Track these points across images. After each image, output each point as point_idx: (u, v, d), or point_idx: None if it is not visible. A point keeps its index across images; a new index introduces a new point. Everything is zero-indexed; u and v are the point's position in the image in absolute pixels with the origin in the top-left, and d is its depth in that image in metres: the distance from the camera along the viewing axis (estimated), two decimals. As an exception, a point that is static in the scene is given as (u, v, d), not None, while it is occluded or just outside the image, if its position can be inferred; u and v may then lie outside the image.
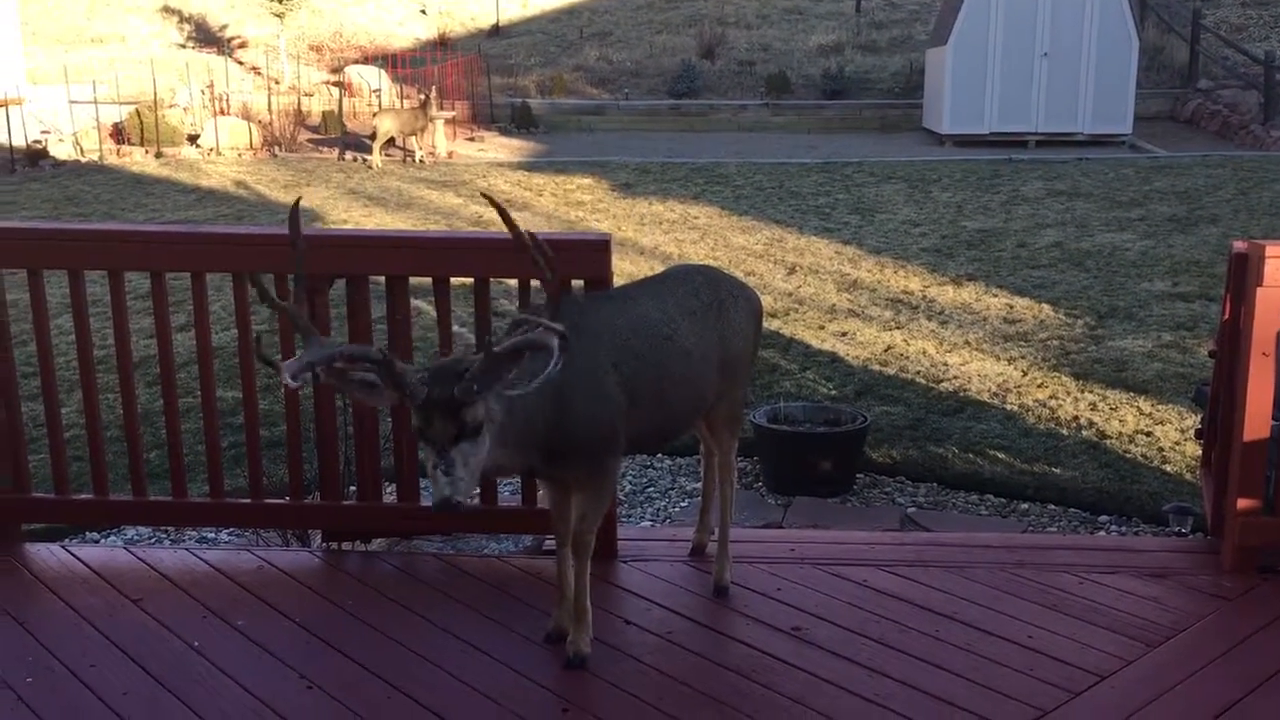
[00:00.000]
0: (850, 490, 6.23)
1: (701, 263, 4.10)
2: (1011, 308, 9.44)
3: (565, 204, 14.68)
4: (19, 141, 17.34)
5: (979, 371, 7.88)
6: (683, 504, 6.31)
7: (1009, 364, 8.02)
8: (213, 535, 5.66)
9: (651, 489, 6.69)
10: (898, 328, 8.99)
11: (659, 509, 6.45)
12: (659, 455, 7.08)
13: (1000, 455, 6.48)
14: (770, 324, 9.21)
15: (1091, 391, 7.38)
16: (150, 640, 3.50)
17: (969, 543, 4.36)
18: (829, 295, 10.06)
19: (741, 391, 3.86)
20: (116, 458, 4.74)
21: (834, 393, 7.58)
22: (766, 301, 9.82)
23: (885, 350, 8.43)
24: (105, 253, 4.09)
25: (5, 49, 24.97)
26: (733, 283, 3.86)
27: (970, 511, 5.93)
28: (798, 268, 11.11)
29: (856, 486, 6.28)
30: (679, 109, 22.94)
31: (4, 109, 17.73)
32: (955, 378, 7.75)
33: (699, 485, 6.72)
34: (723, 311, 3.68)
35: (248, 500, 4.26)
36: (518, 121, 21.58)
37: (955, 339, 8.63)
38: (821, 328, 9.07)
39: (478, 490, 3.34)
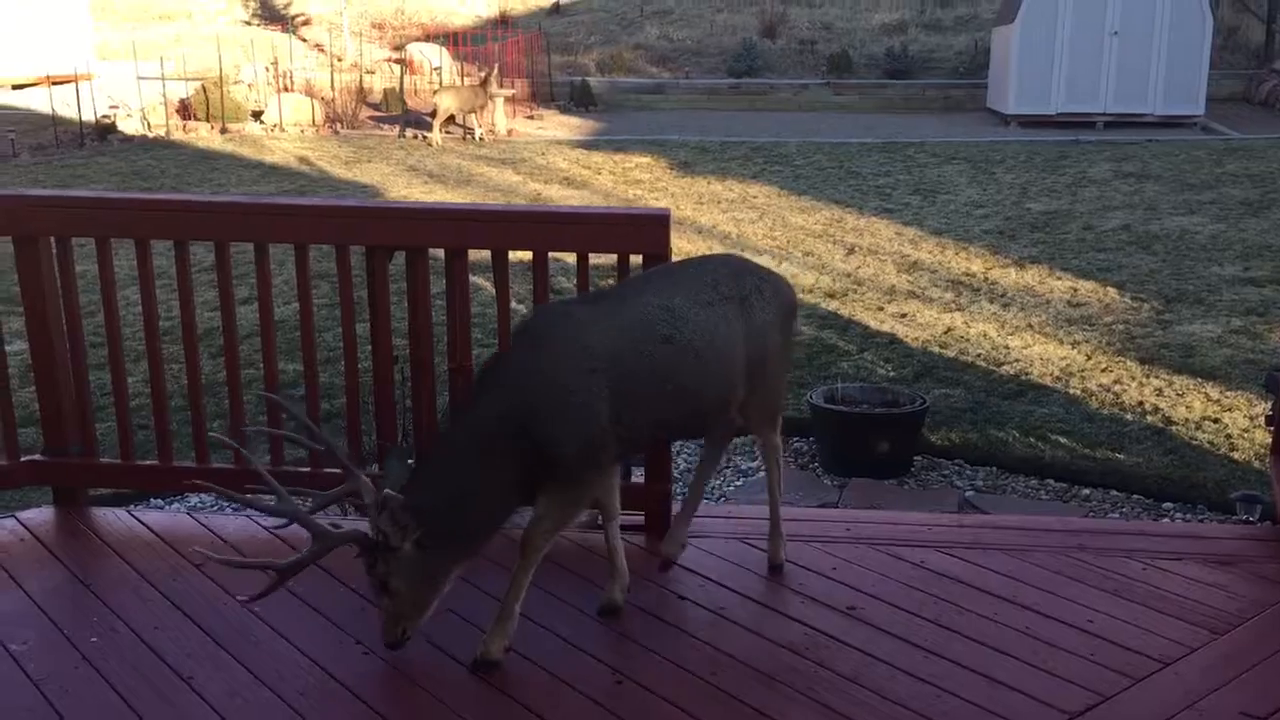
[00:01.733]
0: (907, 473, 6.17)
1: (729, 252, 3.98)
2: (1076, 291, 9.27)
3: (623, 182, 14.66)
4: (88, 116, 17.65)
5: (1041, 355, 7.75)
6: (738, 483, 6.29)
7: (1072, 348, 7.87)
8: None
9: (706, 467, 6.67)
10: (958, 310, 8.87)
11: (713, 487, 6.43)
12: (714, 434, 7.06)
13: (1062, 440, 6.37)
14: (828, 304, 9.12)
15: (1157, 377, 7.23)
16: (211, 604, 3.56)
17: (1029, 526, 4.30)
18: (888, 276, 9.95)
19: (777, 386, 3.71)
20: (180, 426, 4.82)
21: (892, 374, 7.50)
22: (824, 282, 9.74)
23: (945, 332, 8.32)
24: (171, 222, 4.14)
25: (75, 26, 25.42)
26: (760, 274, 3.65)
27: (1030, 496, 5.84)
28: (857, 248, 11.00)
29: (914, 469, 6.21)
30: (739, 88, 22.77)
31: (74, 84, 18.03)
32: (1017, 361, 7.64)
33: (754, 464, 6.70)
34: (746, 305, 3.48)
35: (307, 469, 4.31)
36: (577, 100, 21.57)
37: (1017, 322, 8.50)
38: (880, 309, 8.97)
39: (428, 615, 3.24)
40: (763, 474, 6.52)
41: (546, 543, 3.28)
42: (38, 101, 19.68)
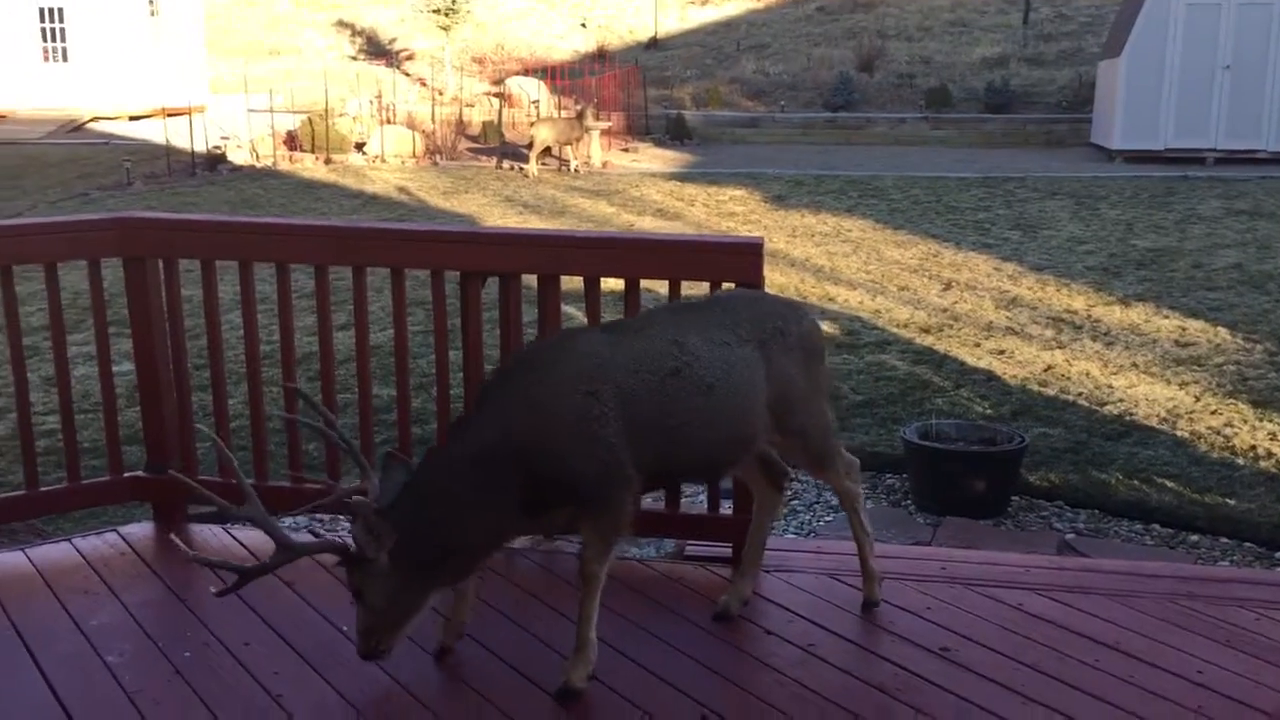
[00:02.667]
0: (1004, 513, 6.00)
1: (758, 292, 3.80)
2: (1184, 330, 8.97)
3: (717, 214, 14.65)
4: (200, 147, 18.28)
5: (1147, 395, 7.50)
6: (828, 518, 6.18)
7: (1180, 388, 7.61)
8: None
9: (796, 502, 6.57)
10: (1059, 347, 8.64)
11: (803, 522, 6.33)
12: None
13: (1169, 483, 6.14)
14: (923, 340, 8.97)
15: (1272, 420, 6.94)
16: (301, 623, 3.59)
17: (1134, 571, 4.13)
18: (986, 312, 9.75)
19: (813, 429, 3.55)
20: (277, 447, 4.90)
21: (989, 412, 7.32)
22: (919, 317, 9.59)
23: (1045, 370, 8.10)
24: (273, 245, 4.23)
25: (191, 61, 26.44)
26: (787, 314, 3.56)
27: (1134, 541, 5.64)
28: (954, 283, 10.81)
29: (1011, 509, 6.04)
30: (835, 121, 22.66)
31: (188, 116, 18.70)
32: (1121, 401, 7.40)
33: (845, 500, 6.58)
34: (766, 347, 3.41)
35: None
36: (672, 133, 21.68)
37: (1121, 361, 8.24)
38: (977, 345, 8.78)
39: (403, 633, 3.20)
40: (854, 510, 6.41)
41: (601, 568, 3.22)
42: (153, 132, 20.46)
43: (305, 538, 3.30)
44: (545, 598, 3.74)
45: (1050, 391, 7.64)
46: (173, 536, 3.38)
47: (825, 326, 9.79)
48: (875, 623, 3.63)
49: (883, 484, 6.67)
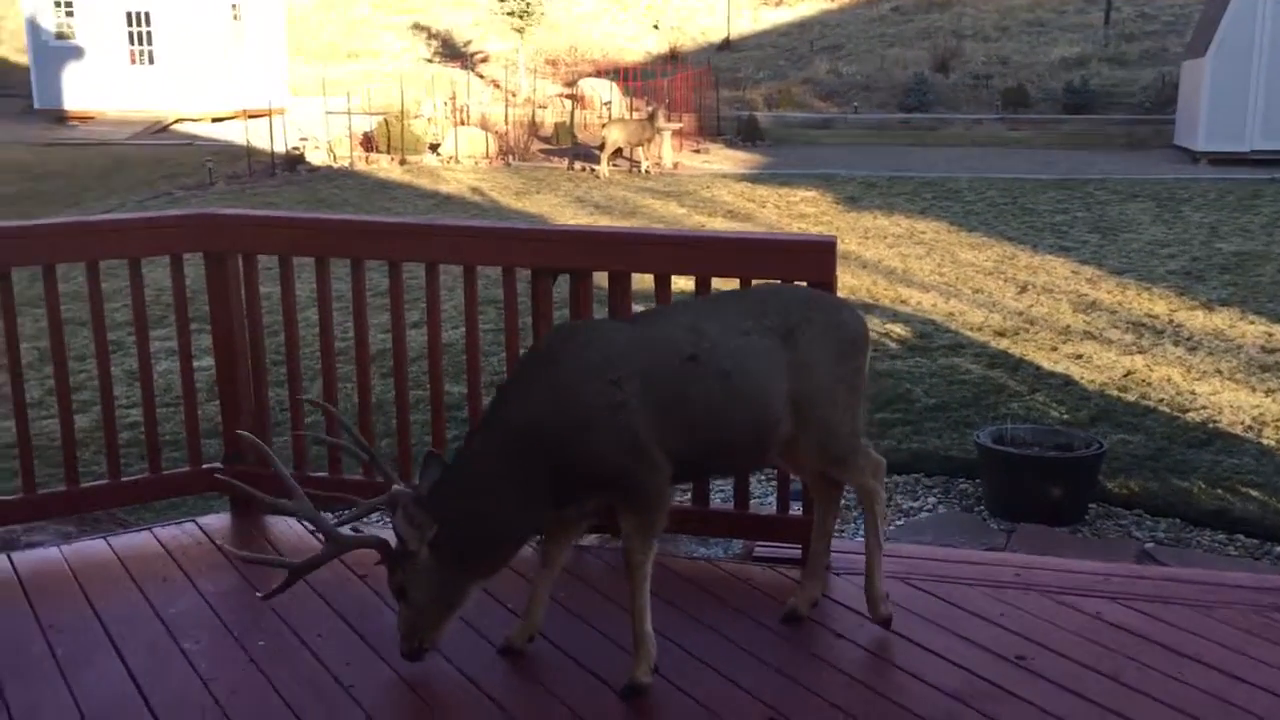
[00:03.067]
0: (1081, 520, 5.88)
1: (795, 284, 3.74)
2: (1270, 336, 8.71)
3: (788, 216, 14.57)
4: (279, 148, 18.62)
5: (1231, 402, 7.29)
6: (898, 521, 6.10)
7: (1266, 396, 7.39)
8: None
9: (867, 505, 6.50)
10: (1140, 352, 8.45)
11: (874, 526, 6.26)
12: (876, 471, 6.88)
13: (1254, 493, 5.96)
14: (998, 343, 8.82)
15: (1363, 429, 6.71)
16: (372, 614, 3.62)
17: (1216, 581, 4.01)
18: (1063, 316, 9.56)
19: (836, 426, 3.40)
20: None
21: (1066, 417, 7.18)
22: (994, 320, 9.43)
23: (1125, 375, 7.92)
24: (348, 242, 4.29)
25: (272, 64, 26.98)
26: (821, 307, 3.46)
27: (1217, 551, 5.49)
28: (1030, 286, 10.62)
29: (1088, 517, 5.92)
30: (909, 123, 22.41)
31: (268, 118, 19.05)
32: (1204, 408, 7.20)
33: (916, 503, 6.50)
34: (792, 337, 3.31)
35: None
36: (744, 134, 21.61)
37: (1205, 367, 8.03)
38: (1054, 349, 8.62)
39: (445, 629, 3.25)
40: (924, 515, 6.32)
41: (645, 558, 3.22)
42: (235, 134, 20.89)
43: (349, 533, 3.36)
44: (613, 596, 3.73)
45: (1130, 397, 7.47)
46: (219, 544, 3.46)
47: (897, 329, 9.69)
48: (948, 628, 3.57)
49: (955, 489, 6.57)
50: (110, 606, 3.68)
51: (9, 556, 4.11)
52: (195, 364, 4.53)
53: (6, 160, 20.50)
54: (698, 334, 3.25)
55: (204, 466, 4.45)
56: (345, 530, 3.33)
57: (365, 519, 3.56)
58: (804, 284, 3.88)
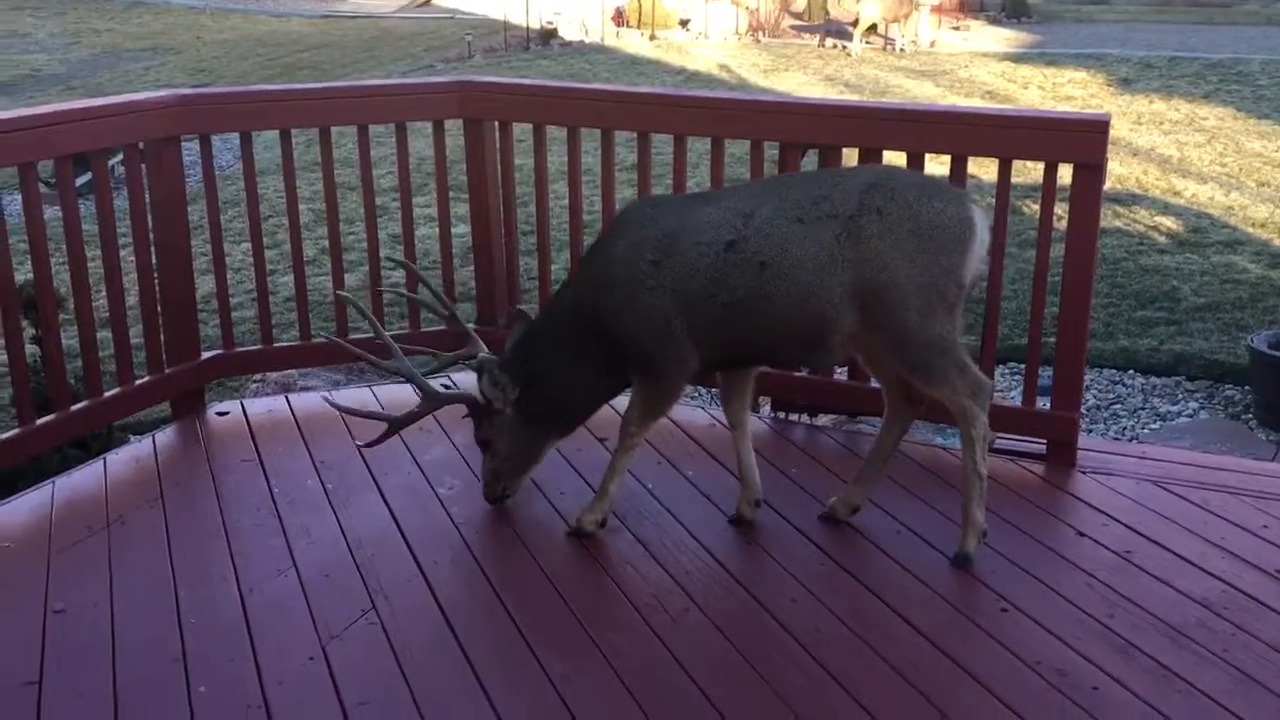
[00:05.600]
0: (1366, 435, 5.40)
1: (889, 165, 3.50)
2: None
3: (1052, 98, 13.70)
4: (534, 23, 18.90)
5: None
6: (1153, 425, 5.79)
7: None
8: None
9: (1119, 406, 6.20)
10: None
11: (1124, 428, 5.97)
12: (1130, 372, 6.52)
13: None
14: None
15: None
16: (597, 475, 3.75)
17: None
18: (1365, 214, 8.65)
19: (918, 327, 3.06)
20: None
21: (1357, 324, 6.55)
22: (1282, 215, 8.63)
23: None
24: (597, 111, 4.32)
25: (528, -62, 27.16)
26: (901, 194, 3.07)
27: None
28: (1327, 180, 9.64)
29: (1375, 432, 5.43)
30: (1198, -2, 20.46)
31: (524, -8, 19.27)
32: None
33: (1174, 407, 6.13)
34: (856, 226, 3.03)
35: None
36: (1009, 10, 20.34)
37: None
38: (1350, 250, 7.83)
39: (524, 479, 3.57)
40: (1184, 420, 5.96)
41: (639, 430, 3.35)
42: (492, 8, 21.32)
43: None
44: (843, 473, 3.72)
45: None
46: (324, 396, 3.74)
47: (1166, 222, 9.03)
48: (1203, 536, 3.38)
49: (1220, 395, 6.16)
50: (375, 451, 3.96)
51: (287, 399, 4.48)
52: (452, 230, 4.73)
53: (284, 32, 21.75)
54: (746, 220, 3.13)
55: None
56: (438, 386, 3.55)
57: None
58: (1070, 167, 3.65)
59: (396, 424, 3.49)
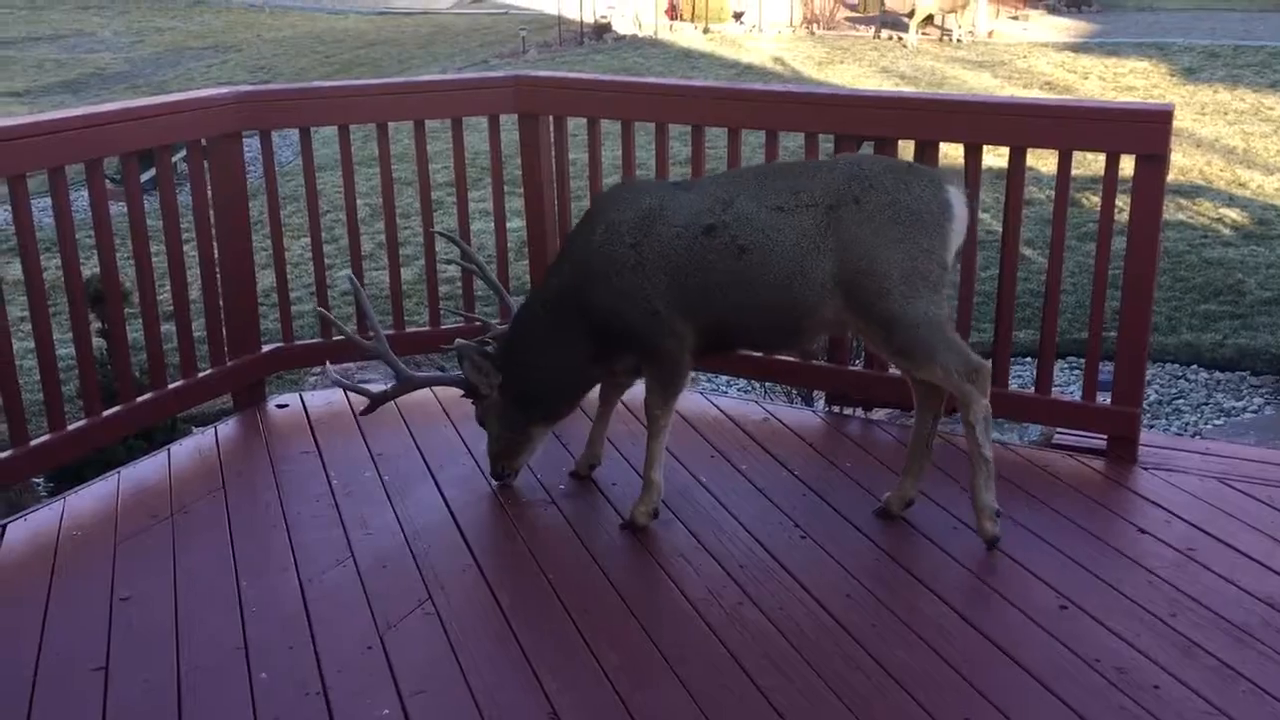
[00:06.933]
0: None
1: (875, 155, 3.56)
2: None
3: (1114, 88, 13.47)
4: (588, 17, 18.93)
5: None
6: (1216, 420, 5.68)
7: None
8: (726, 384, 5.98)
9: (1181, 401, 6.09)
10: None
11: (1187, 423, 5.87)
12: (1194, 367, 6.41)
13: None
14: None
15: None
16: (665, 470, 3.75)
17: None
18: None
19: (904, 312, 3.06)
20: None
21: None
22: (1353, 207, 8.41)
23: None
24: (651, 105, 4.34)
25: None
26: (881, 182, 3.10)
27: None
28: (1400, 170, 9.38)
29: None
30: (1265, -16, 19.99)
31: (577, -13, 19.29)
32: None
33: (1239, 403, 6.01)
34: (836, 213, 3.08)
35: (759, 354, 4.41)
36: (1069, -1, 20.01)
37: None
38: None
39: (522, 461, 3.65)
40: (1248, 415, 5.84)
41: (662, 413, 3.37)
42: (546, 3, 21.40)
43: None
44: (898, 468, 3.70)
45: None
46: (328, 365, 3.81)
47: (1232, 214, 8.84)
48: (1267, 533, 3.31)
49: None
50: (431, 443, 4.00)
51: (345, 392, 4.54)
52: (508, 225, 4.75)
53: (342, 29, 21.99)
54: (725, 206, 3.19)
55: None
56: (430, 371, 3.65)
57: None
58: (1132, 158, 3.59)
59: (377, 399, 3.62)
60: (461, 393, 3.56)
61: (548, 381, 3.49)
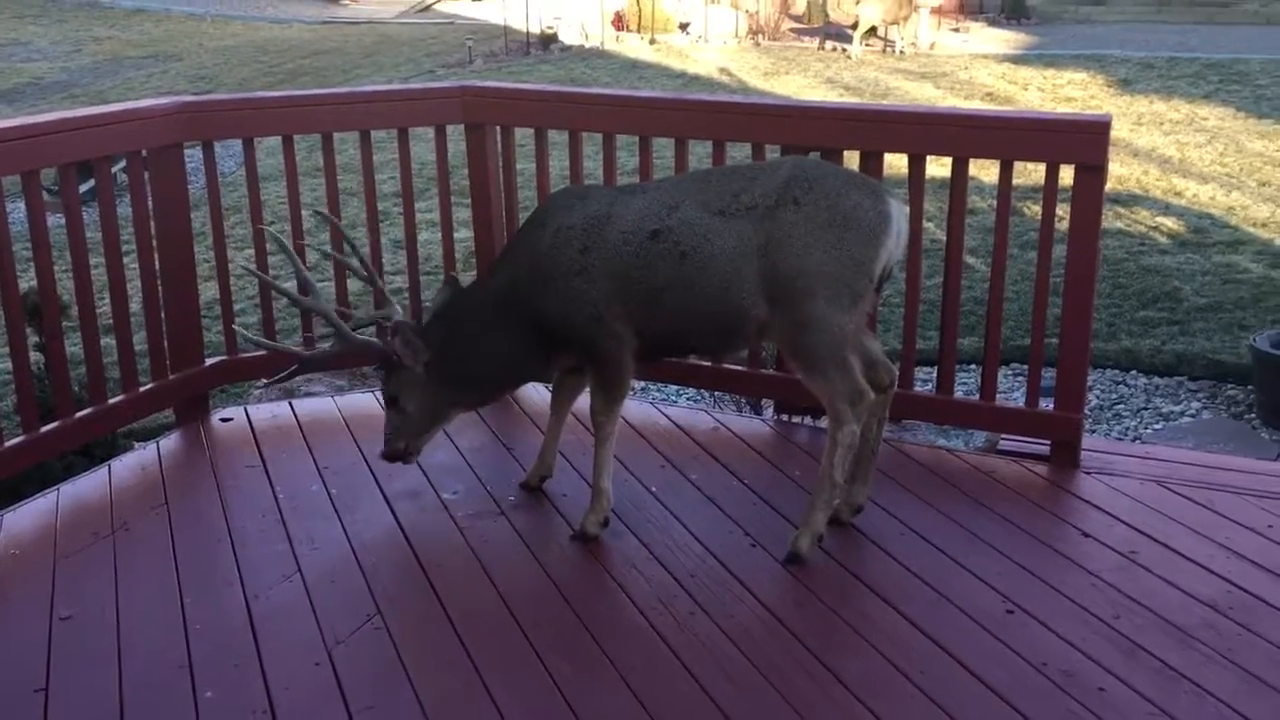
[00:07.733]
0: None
1: (809, 158, 3.58)
2: None
3: (1053, 99, 13.71)
4: (534, 27, 18.90)
5: None
6: (1156, 425, 5.79)
7: None
8: (676, 394, 5.99)
9: (1121, 406, 6.20)
10: None
11: (1127, 428, 5.97)
12: (1133, 372, 6.52)
13: None
14: (1285, 240, 8.09)
15: None
16: (615, 481, 3.75)
17: None
18: (1366, 213, 8.65)
19: (815, 316, 3.09)
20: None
21: (1360, 323, 6.55)
22: (1283, 215, 8.62)
23: None
24: (597, 115, 4.34)
25: (528, -58, 27.14)
26: (818, 186, 3.13)
27: None
28: (1328, 180, 9.63)
29: (1378, 431, 5.43)
30: (1197, -2, 20.45)
31: (524, -3, 19.26)
32: None
33: (1178, 407, 6.13)
34: (774, 215, 3.10)
35: (708, 363, 4.42)
36: (1008, 12, 20.35)
37: None
38: (1352, 250, 7.83)
39: (426, 441, 3.57)
40: (1186, 420, 5.96)
41: (607, 419, 3.39)
42: (492, 13, 21.36)
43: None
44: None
45: None
46: (236, 326, 3.79)
47: (1168, 223, 9.02)
48: (1209, 536, 3.38)
49: (1223, 395, 6.16)
50: (376, 453, 3.96)
51: (290, 404, 4.49)
52: (455, 235, 4.73)
53: (285, 39, 21.77)
54: (670, 210, 3.22)
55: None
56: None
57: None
58: (1071, 168, 3.65)
59: (306, 364, 3.55)
60: (377, 365, 3.51)
61: (485, 370, 3.48)
